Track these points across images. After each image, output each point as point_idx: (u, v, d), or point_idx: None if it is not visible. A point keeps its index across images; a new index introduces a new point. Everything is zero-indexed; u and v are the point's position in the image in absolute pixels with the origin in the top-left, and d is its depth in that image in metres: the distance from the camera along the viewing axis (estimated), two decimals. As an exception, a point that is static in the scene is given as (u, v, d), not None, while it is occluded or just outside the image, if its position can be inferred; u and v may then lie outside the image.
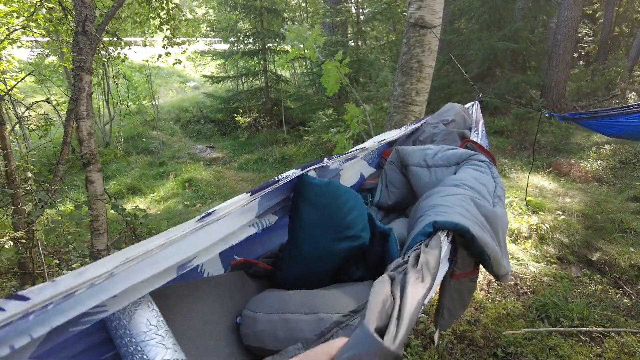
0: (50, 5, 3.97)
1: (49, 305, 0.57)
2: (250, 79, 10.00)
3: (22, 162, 2.29)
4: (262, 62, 9.45)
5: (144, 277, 0.71)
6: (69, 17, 3.77)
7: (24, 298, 0.56)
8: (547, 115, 3.99)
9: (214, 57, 10.77)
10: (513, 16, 9.05)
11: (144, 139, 8.32)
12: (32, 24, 4.12)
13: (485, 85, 8.71)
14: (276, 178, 0.99)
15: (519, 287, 3.43)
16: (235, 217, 0.91)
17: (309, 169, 1.09)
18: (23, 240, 2.12)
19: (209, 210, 0.81)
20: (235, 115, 9.41)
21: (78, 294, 0.60)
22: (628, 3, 13.18)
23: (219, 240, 0.92)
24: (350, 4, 9.11)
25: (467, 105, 2.64)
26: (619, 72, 10.29)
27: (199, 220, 0.78)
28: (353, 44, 8.66)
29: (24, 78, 3.32)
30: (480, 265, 1.12)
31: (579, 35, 11.93)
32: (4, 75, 3.63)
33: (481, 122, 2.40)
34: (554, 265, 3.71)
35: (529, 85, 8.42)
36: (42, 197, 2.37)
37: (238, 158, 8.01)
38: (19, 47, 4.71)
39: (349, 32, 9.52)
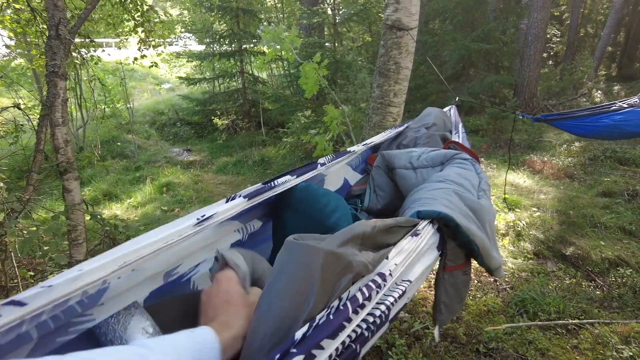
0: (18, 6, 3.83)
1: (42, 315, 0.55)
2: (227, 80, 9.89)
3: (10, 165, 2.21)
4: (239, 64, 9.37)
5: (133, 284, 0.69)
6: (37, 18, 3.65)
7: (20, 303, 0.54)
8: (520, 117, 4.11)
9: (189, 59, 10.61)
10: (486, 17, 9.27)
11: (118, 143, 8.11)
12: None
13: (460, 85, 8.90)
14: (272, 184, 0.98)
15: (498, 283, 3.51)
16: (224, 223, 0.90)
17: (306, 178, 1.09)
18: (-6, 253, 2.04)
19: (207, 214, 0.79)
20: (213, 117, 9.29)
21: (71, 304, 0.59)
22: (592, 5, 13.70)
23: (203, 246, 0.91)
24: (326, 6, 9.14)
25: (445, 109, 2.71)
26: (585, 71, 10.67)
27: (196, 224, 0.76)
28: (330, 45, 8.69)
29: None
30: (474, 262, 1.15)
31: (548, 36, 12.30)
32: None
33: (460, 124, 2.46)
34: (530, 261, 3.81)
35: (502, 84, 8.63)
36: (14, 207, 2.29)
37: (216, 161, 7.91)
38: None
39: (326, 33, 9.54)
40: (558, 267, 3.70)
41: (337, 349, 0.59)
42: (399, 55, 3.55)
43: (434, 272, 1.14)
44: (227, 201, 0.89)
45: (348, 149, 1.48)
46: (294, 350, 0.55)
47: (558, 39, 14.05)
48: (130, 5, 4.60)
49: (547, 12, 8.40)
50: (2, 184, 1.98)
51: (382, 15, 3.48)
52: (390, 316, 0.76)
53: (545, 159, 6.47)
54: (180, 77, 10.14)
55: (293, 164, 7.14)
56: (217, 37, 9.45)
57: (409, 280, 0.80)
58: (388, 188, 1.61)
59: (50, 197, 5.76)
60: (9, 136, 2.89)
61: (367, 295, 0.68)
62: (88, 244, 2.36)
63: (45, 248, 2.11)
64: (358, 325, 0.65)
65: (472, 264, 1.17)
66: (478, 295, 3.31)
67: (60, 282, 0.57)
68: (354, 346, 0.64)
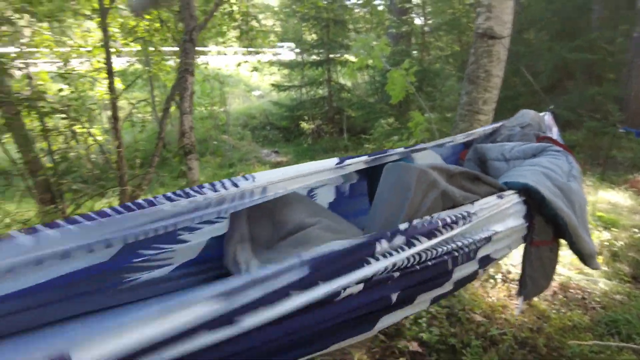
0: (149, 17, 4.49)
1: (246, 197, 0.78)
2: (314, 88, 10.36)
3: (132, 150, 2.70)
4: (326, 72, 9.78)
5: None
6: (164, 27, 4.24)
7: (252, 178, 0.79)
8: (623, 131, 3.84)
9: (280, 67, 11.28)
10: (590, 26, 8.65)
11: (215, 142, 8.91)
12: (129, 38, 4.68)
13: (555, 98, 8.37)
14: (387, 153, 1.13)
15: (587, 301, 3.34)
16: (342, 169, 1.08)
17: (408, 151, 1.22)
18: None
19: (343, 162, 0.97)
20: (301, 122, 9.81)
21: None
22: None
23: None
24: (415, 15, 9.20)
25: (540, 114, 2.68)
26: None
27: (336, 165, 0.95)
28: (417, 54, 8.72)
29: (135, 80, 3.81)
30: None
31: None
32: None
33: (555, 128, 2.43)
34: (627, 284, 3.55)
35: (605, 98, 7.98)
36: (140, 182, 2.73)
37: (301, 162, 8.29)
38: (117, 56, 5.32)
39: (413, 42, 9.58)
40: (660, 292, 3.40)
41: (431, 251, 0.77)
42: (490, 63, 3.54)
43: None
44: (352, 157, 1.08)
45: (442, 141, 1.58)
46: (399, 234, 0.74)
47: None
48: (237, 16, 5.11)
49: (664, 19, 7.64)
50: (138, 160, 2.41)
51: (473, 25, 3.51)
52: (478, 256, 0.90)
53: (654, 179, 5.88)
54: (272, 84, 10.83)
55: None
56: (308, 46, 9.96)
57: (494, 230, 0.93)
58: (479, 180, 1.69)
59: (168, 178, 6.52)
60: (137, 125, 3.45)
61: (454, 220, 0.83)
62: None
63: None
64: (448, 242, 0.82)
65: (559, 244, 1.23)
66: (562, 310, 3.17)
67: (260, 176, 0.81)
68: (446, 258, 0.81)
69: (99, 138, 3.69)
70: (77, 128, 3.09)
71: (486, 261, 0.96)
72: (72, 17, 4.39)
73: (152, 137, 6.52)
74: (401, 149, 1.13)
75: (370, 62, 5.09)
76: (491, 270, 3.39)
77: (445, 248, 0.82)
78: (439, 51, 10.07)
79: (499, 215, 0.97)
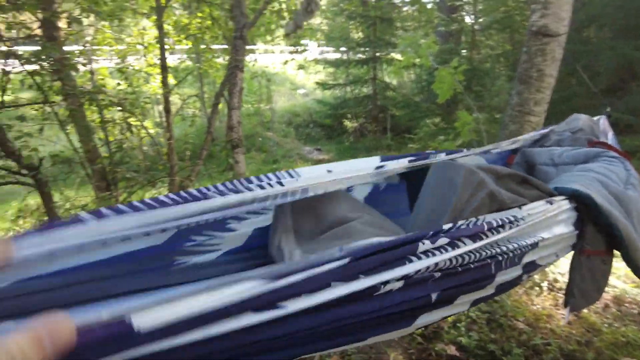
0: (200, 14, 4.66)
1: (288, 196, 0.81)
2: (359, 86, 10.34)
3: (182, 143, 2.84)
4: (372, 71, 9.73)
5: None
6: (214, 25, 4.39)
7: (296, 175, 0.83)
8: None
9: (325, 66, 11.33)
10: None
11: (260, 139, 9.12)
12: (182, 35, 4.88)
13: (617, 100, 7.87)
14: (428, 156, 1.12)
15: (643, 316, 3.13)
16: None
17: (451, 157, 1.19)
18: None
19: (384, 164, 0.97)
20: (343, 120, 9.81)
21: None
22: None
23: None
24: (465, 13, 8.94)
25: (594, 118, 2.53)
26: None
27: (376, 168, 0.96)
28: (466, 52, 8.49)
29: (186, 76, 3.99)
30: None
31: None
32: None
33: (610, 133, 2.29)
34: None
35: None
36: (189, 173, 2.85)
37: (342, 161, 8.35)
38: (170, 53, 5.57)
39: (463, 40, 9.33)
40: None
41: (474, 254, 0.76)
42: (543, 63, 3.38)
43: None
44: (394, 158, 1.08)
45: (486, 148, 1.52)
46: (443, 235, 0.73)
47: None
48: (285, 14, 5.19)
49: None
50: (188, 153, 2.53)
51: (526, 23, 3.37)
52: (523, 261, 0.87)
53: None
54: (317, 83, 10.91)
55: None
56: (354, 44, 9.94)
57: (541, 236, 0.90)
58: (527, 185, 1.64)
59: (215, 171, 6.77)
60: (188, 120, 3.61)
61: (500, 224, 0.81)
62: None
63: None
64: (492, 246, 0.80)
65: (613, 256, 1.16)
66: (615, 324, 2.99)
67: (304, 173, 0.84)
68: (489, 262, 0.79)
69: (151, 131, 3.90)
70: (132, 120, 3.28)
71: (531, 267, 0.94)
72: (131, 16, 4.65)
73: (201, 131, 6.79)
74: (444, 154, 1.11)
75: (417, 60, 5.01)
76: (537, 277, 3.26)
77: (489, 252, 0.80)
78: (490, 50, 9.73)
79: (547, 221, 0.94)
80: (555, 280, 3.26)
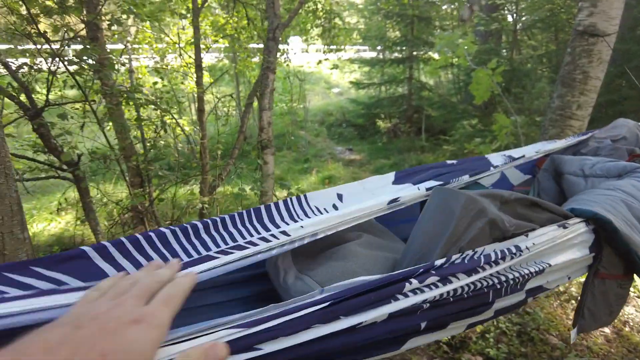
0: (236, 13, 4.74)
1: (295, 242, 0.77)
2: (394, 86, 10.20)
3: (214, 142, 2.90)
4: (408, 70, 9.57)
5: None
6: (250, 25, 4.44)
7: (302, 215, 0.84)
8: None
9: (360, 65, 11.25)
10: None
11: (292, 137, 9.17)
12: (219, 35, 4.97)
13: (671, 104, 7.36)
14: (453, 179, 1.03)
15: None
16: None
17: (473, 180, 1.10)
18: (206, 205, 2.66)
19: (399, 197, 0.91)
20: (377, 120, 9.71)
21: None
22: None
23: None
24: (507, 12, 8.62)
25: (641, 124, 2.37)
26: None
27: (389, 203, 0.89)
28: (507, 53, 8.19)
29: (221, 75, 4.06)
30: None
31: None
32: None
33: (659, 143, 2.14)
34: None
35: None
36: (220, 172, 2.90)
37: (374, 162, 8.26)
38: (207, 52, 5.69)
39: (503, 40, 9.02)
40: None
41: (469, 286, 0.71)
42: (589, 64, 3.21)
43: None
44: (410, 176, 1.03)
45: (514, 162, 1.42)
46: (434, 272, 0.69)
47: None
48: (320, 14, 5.19)
49: None
50: (220, 152, 2.57)
51: (573, 21, 3.19)
52: (526, 287, 0.82)
53: None
54: (351, 82, 10.84)
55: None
56: (390, 43, 9.81)
57: (547, 263, 0.84)
58: (554, 194, 1.53)
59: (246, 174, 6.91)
60: (222, 119, 3.68)
61: (500, 256, 0.75)
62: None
63: (238, 208, 2.64)
64: (491, 276, 0.75)
65: (632, 280, 1.08)
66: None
67: (310, 220, 0.81)
68: (486, 291, 0.74)
69: (186, 129, 3.99)
70: (167, 119, 3.37)
71: (537, 291, 0.87)
72: (170, 16, 4.78)
73: (234, 130, 6.90)
74: (466, 177, 1.05)
75: (454, 60, 4.89)
76: (573, 290, 3.11)
77: (486, 282, 0.75)
78: (532, 50, 9.36)
79: (559, 246, 0.87)
80: (595, 294, 3.08)
